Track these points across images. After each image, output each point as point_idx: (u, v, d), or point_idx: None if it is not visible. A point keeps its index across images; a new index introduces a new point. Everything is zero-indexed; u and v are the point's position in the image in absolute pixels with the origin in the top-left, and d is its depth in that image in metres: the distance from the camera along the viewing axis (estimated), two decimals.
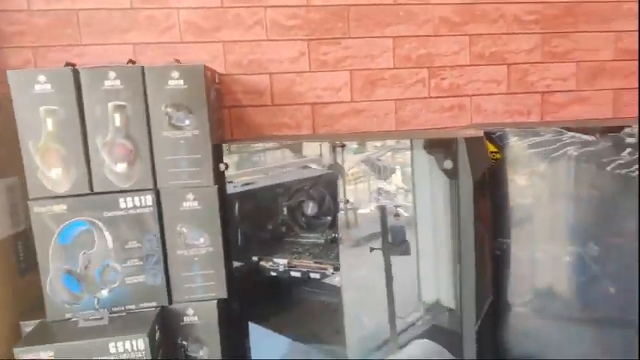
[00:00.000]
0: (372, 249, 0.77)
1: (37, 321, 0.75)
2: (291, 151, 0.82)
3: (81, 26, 0.91)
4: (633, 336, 0.79)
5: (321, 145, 0.78)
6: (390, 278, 0.76)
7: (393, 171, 0.74)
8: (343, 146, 0.76)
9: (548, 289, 0.84)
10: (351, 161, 0.76)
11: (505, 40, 1.07)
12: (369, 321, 0.79)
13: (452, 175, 0.67)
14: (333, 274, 0.79)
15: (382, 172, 0.74)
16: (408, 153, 0.72)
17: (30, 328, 0.74)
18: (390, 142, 0.74)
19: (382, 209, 0.75)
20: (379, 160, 0.75)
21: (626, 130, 0.76)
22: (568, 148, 0.79)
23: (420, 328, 0.75)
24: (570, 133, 0.78)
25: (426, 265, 0.74)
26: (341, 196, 0.77)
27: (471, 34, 1.05)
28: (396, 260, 0.75)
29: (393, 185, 0.74)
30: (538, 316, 0.85)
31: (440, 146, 0.68)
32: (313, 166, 0.81)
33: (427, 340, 0.75)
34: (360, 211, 0.77)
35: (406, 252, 0.75)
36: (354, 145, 0.76)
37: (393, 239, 0.75)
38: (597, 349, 0.81)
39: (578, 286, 0.81)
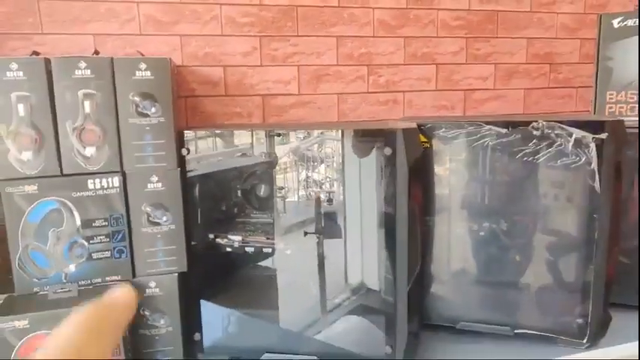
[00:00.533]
0: (306, 233, 0.87)
1: (5, 295, 0.80)
2: (243, 139, 0.90)
3: (42, 16, 0.94)
4: (532, 296, 0.94)
5: (270, 133, 0.87)
6: (322, 260, 0.87)
7: (331, 158, 0.84)
8: (279, 135, 0.85)
9: (466, 259, 0.97)
10: (287, 149, 0.85)
11: (435, 42, 1.20)
12: (301, 300, 0.89)
13: (390, 161, 0.78)
14: (281, 248, 0.89)
15: (320, 159, 0.85)
16: (346, 142, 0.82)
17: None
18: (331, 132, 0.84)
19: (317, 194, 0.85)
20: (309, 150, 0.85)
21: (533, 124, 0.89)
22: (486, 139, 0.92)
23: (348, 307, 0.86)
24: (488, 126, 0.91)
25: (354, 249, 0.85)
26: (278, 183, 0.86)
27: (405, 37, 1.17)
28: (328, 243, 0.86)
29: (328, 172, 0.84)
30: (457, 281, 0.98)
31: (381, 136, 0.79)
32: (259, 153, 0.89)
33: (358, 315, 0.86)
34: (291, 199, 0.87)
35: (337, 235, 0.86)
36: (299, 134, 0.85)
37: (326, 224, 0.86)
38: (503, 308, 0.96)
39: (490, 256, 0.95)
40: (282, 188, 0.88)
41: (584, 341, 0.91)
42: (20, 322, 0.72)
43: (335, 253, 0.87)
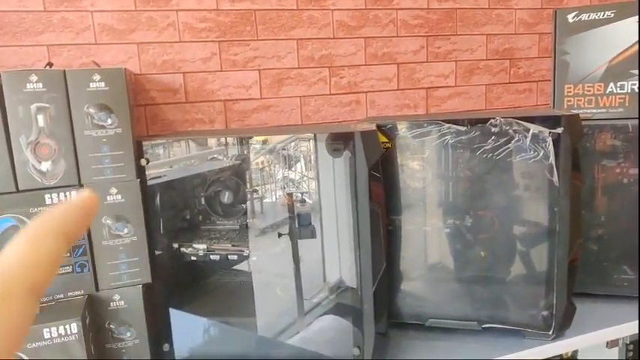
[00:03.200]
0: (280, 234, 0.87)
1: None
2: (206, 146, 0.90)
3: None
4: (499, 290, 0.96)
5: (236, 138, 0.87)
6: (297, 261, 0.87)
7: (298, 161, 0.84)
8: (250, 138, 0.86)
9: (433, 256, 0.98)
10: (257, 153, 0.86)
11: (395, 42, 1.21)
12: (278, 303, 0.89)
13: (350, 163, 0.79)
14: (248, 255, 0.89)
15: (287, 162, 0.85)
16: (312, 145, 0.82)
17: None
18: (296, 136, 0.84)
19: (289, 196, 0.85)
20: (284, 150, 0.85)
21: (491, 121, 0.91)
22: (446, 137, 0.93)
23: (326, 307, 0.87)
24: (447, 125, 0.92)
25: (330, 248, 0.85)
26: (249, 186, 0.86)
27: (365, 37, 1.18)
28: (302, 244, 0.86)
29: (298, 174, 0.84)
30: (424, 279, 0.99)
31: (340, 139, 0.80)
32: (224, 158, 0.89)
33: (331, 315, 0.87)
34: (266, 200, 0.87)
35: (312, 236, 0.86)
36: (261, 138, 0.85)
37: (300, 224, 0.86)
38: (470, 303, 0.97)
39: (456, 252, 0.96)
40: (255, 191, 0.87)
41: (550, 333, 0.93)
42: None
43: (308, 254, 0.87)
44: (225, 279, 0.92)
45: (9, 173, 0.77)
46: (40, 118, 0.77)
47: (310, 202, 0.85)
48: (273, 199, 0.87)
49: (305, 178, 0.84)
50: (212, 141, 0.88)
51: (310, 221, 0.86)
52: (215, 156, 0.89)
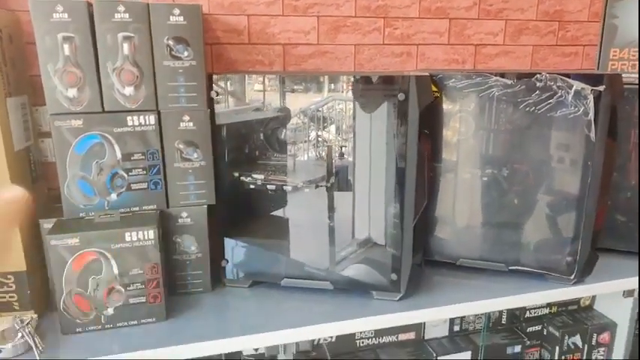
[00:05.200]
0: (317, 185, 0.95)
1: (55, 219, 0.89)
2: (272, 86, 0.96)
3: None
4: (527, 236, 1.02)
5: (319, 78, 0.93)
6: (332, 211, 0.95)
7: (343, 111, 0.91)
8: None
9: (468, 202, 1.06)
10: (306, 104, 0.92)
11: None
12: (312, 248, 0.97)
13: (403, 105, 0.86)
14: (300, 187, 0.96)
15: (327, 120, 0.92)
16: (359, 90, 0.88)
17: (49, 225, 0.86)
18: (347, 78, 0.90)
19: (329, 148, 0.92)
20: (321, 109, 0.91)
21: (537, 76, 0.95)
22: (492, 89, 0.98)
23: (362, 244, 0.95)
24: (495, 77, 0.98)
25: (362, 203, 0.92)
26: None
27: None
28: (338, 196, 0.94)
29: (342, 124, 0.91)
30: (459, 223, 1.07)
31: (396, 82, 0.86)
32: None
33: (352, 263, 0.95)
34: (305, 152, 0.94)
35: (348, 188, 0.93)
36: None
37: (337, 177, 0.93)
38: (499, 247, 1.05)
39: (491, 199, 1.03)
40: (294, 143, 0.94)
41: (572, 277, 1.00)
42: (72, 240, 0.82)
43: (349, 198, 0.94)
44: (275, 210, 1.00)
45: (97, 95, 0.87)
46: (126, 46, 0.86)
47: (349, 155, 0.91)
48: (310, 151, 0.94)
49: (347, 129, 0.90)
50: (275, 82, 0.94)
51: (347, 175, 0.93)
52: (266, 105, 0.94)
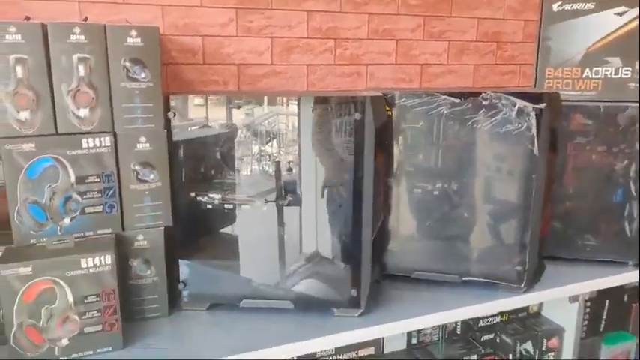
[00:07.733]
0: (266, 201, 0.95)
1: (4, 247, 0.85)
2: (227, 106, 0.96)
3: None
4: (478, 248, 1.07)
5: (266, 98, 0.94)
6: (282, 227, 0.95)
7: (293, 127, 0.92)
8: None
9: (421, 216, 1.09)
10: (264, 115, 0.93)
11: (395, 19, 1.30)
12: (262, 265, 0.97)
13: (359, 125, 0.88)
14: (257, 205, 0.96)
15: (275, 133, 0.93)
16: (299, 112, 0.90)
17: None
18: (304, 98, 0.91)
19: (277, 164, 0.93)
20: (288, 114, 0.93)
21: (482, 94, 1.01)
22: (441, 107, 1.03)
23: (317, 261, 0.95)
24: (443, 96, 1.02)
25: (309, 217, 0.94)
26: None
27: (369, 13, 1.27)
28: (286, 211, 0.94)
29: (288, 140, 0.93)
30: (413, 237, 1.10)
31: (352, 102, 0.89)
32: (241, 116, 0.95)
33: (312, 279, 0.95)
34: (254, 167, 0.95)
35: (296, 203, 0.94)
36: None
37: (285, 192, 0.94)
38: (452, 259, 1.09)
39: (442, 213, 1.07)
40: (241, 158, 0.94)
41: (522, 285, 1.06)
42: (24, 269, 0.78)
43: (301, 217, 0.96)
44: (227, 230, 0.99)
45: (50, 117, 0.84)
46: (81, 68, 0.84)
47: (295, 169, 0.92)
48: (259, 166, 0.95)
49: (292, 143, 0.91)
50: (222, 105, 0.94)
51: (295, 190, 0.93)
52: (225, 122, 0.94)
